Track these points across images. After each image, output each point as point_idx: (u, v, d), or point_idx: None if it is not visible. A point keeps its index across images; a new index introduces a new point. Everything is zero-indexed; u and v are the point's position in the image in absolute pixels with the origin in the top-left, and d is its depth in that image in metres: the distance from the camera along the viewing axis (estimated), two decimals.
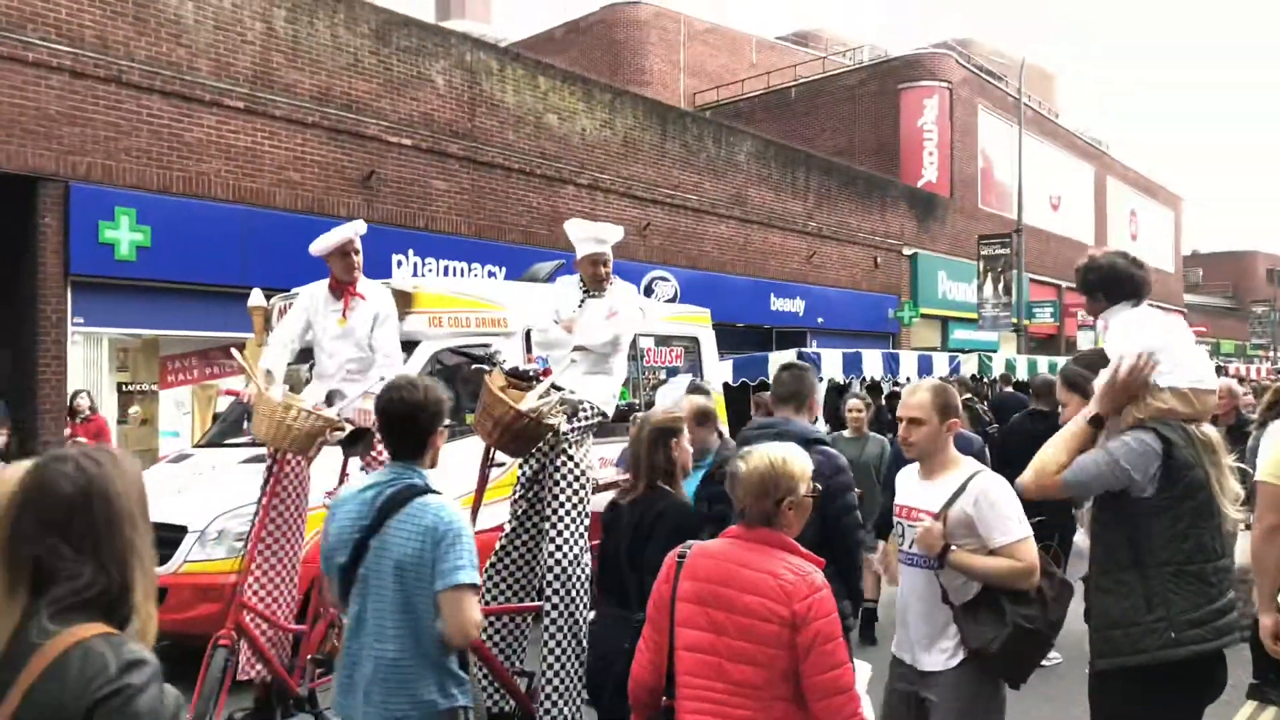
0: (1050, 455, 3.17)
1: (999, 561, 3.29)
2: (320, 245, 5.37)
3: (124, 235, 11.00)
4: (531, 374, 4.87)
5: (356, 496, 3.07)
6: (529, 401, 4.57)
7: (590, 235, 5.32)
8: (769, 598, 2.53)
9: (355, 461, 5.29)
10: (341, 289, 5.43)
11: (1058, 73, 50.04)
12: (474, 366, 7.01)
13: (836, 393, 14.04)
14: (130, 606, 1.71)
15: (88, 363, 11.15)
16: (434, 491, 2.98)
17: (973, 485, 3.36)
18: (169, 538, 5.99)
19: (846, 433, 8.16)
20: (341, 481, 5.30)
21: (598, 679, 3.90)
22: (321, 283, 5.55)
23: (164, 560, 5.88)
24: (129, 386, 12.00)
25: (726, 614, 2.57)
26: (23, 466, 1.72)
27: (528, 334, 6.71)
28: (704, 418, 4.86)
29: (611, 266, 5.35)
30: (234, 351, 5.61)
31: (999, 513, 3.31)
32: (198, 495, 6.45)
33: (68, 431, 10.12)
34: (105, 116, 10.87)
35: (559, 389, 4.77)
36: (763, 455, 2.72)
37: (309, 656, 5.17)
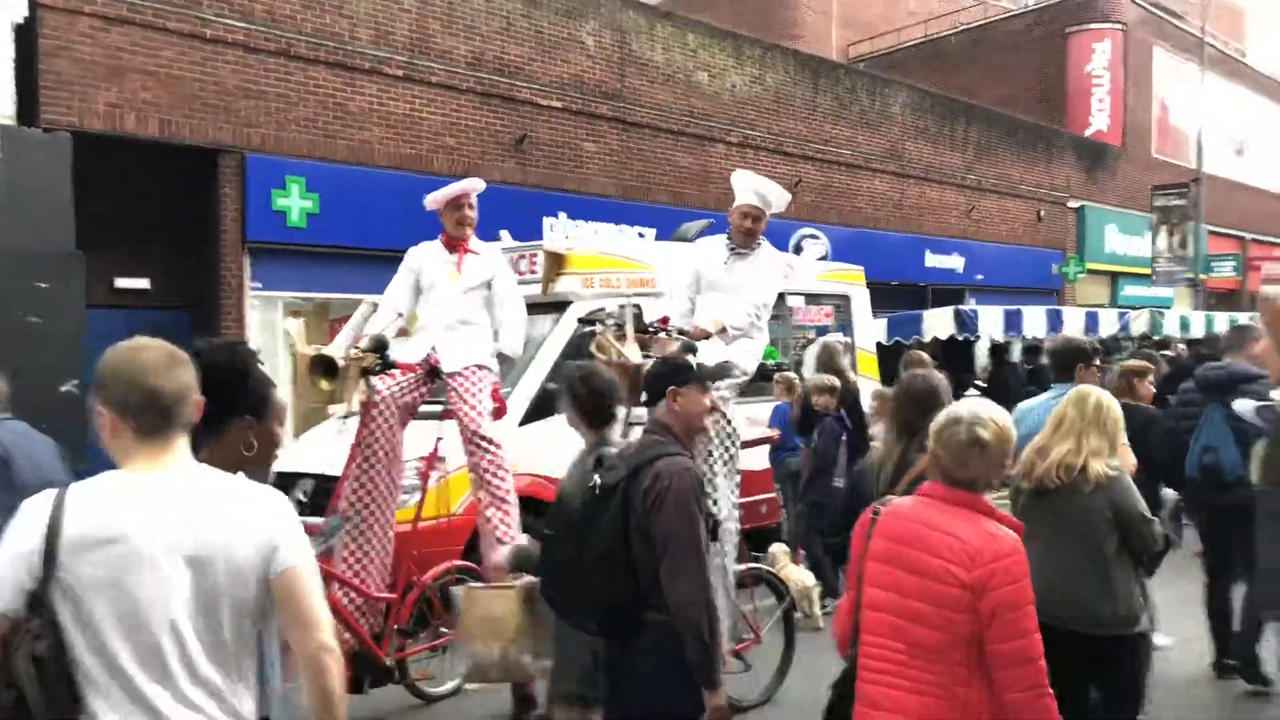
0: None
1: None
2: (434, 198, 5.37)
3: (295, 203, 11.58)
4: (652, 327, 4.90)
5: (1045, 404, 4.58)
6: (628, 353, 4.59)
7: (752, 187, 5.16)
8: (950, 560, 2.47)
9: (451, 429, 5.26)
10: (454, 244, 5.38)
11: (1247, 8, 46.24)
12: (587, 329, 7.06)
13: (996, 353, 13.58)
14: None
15: (264, 325, 11.82)
16: None
17: None
18: (330, 489, 6.30)
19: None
20: (435, 450, 5.32)
21: None
22: (429, 242, 5.52)
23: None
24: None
25: (909, 575, 2.53)
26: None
27: None
28: None
29: (764, 227, 5.23)
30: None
31: None
32: None
33: None
34: (276, 89, 11.42)
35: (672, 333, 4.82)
36: (980, 418, 2.64)
37: (395, 626, 5.07)
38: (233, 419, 2.53)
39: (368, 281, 12.10)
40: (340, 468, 5.43)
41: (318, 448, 6.89)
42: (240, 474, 2.67)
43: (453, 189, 5.37)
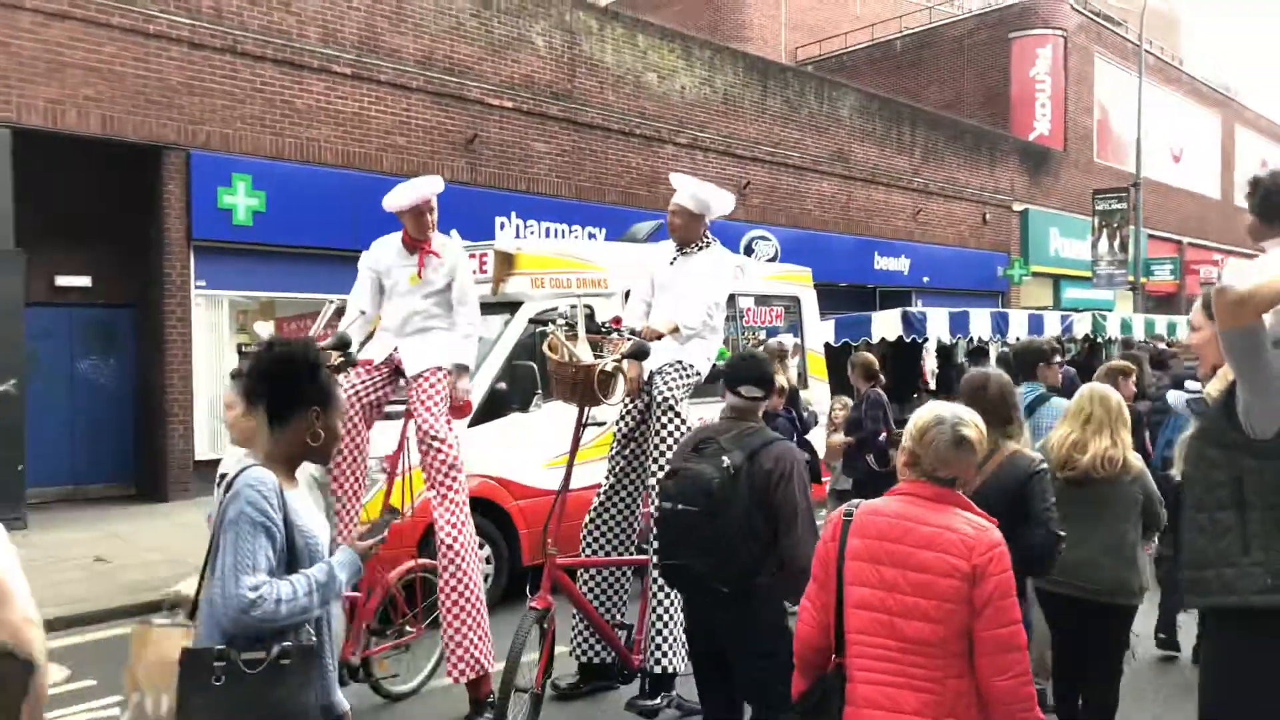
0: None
1: None
2: (394, 201, 5.13)
3: (241, 201, 11.43)
4: (604, 327, 4.91)
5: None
6: (580, 353, 4.62)
7: (687, 188, 5.20)
8: (949, 552, 2.49)
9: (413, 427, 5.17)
10: (415, 245, 5.20)
11: (1181, 18, 47.50)
12: (538, 329, 7.05)
13: (943, 355, 13.80)
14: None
15: (210, 324, 11.66)
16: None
17: None
18: None
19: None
20: (400, 447, 5.28)
21: None
22: (389, 238, 5.32)
23: None
24: (248, 347, 12.47)
25: (900, 571, 2.53)
26: None
27: (627, 294, 6.75)
28: None
29: (700, 226, 5.23)
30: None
31: None
32: None
33: None
34: (222, 86, 11.27)
35: (621, 331, 4.88)
36: (962, 418, 2.65)
37: (364, 624, 5.00)
38: (301, 410, 2.63)
39: (315, 281, 12.03)
40: None
41: None
42: (304, 462, 2.75)
43: (413, 194, 5.12)
